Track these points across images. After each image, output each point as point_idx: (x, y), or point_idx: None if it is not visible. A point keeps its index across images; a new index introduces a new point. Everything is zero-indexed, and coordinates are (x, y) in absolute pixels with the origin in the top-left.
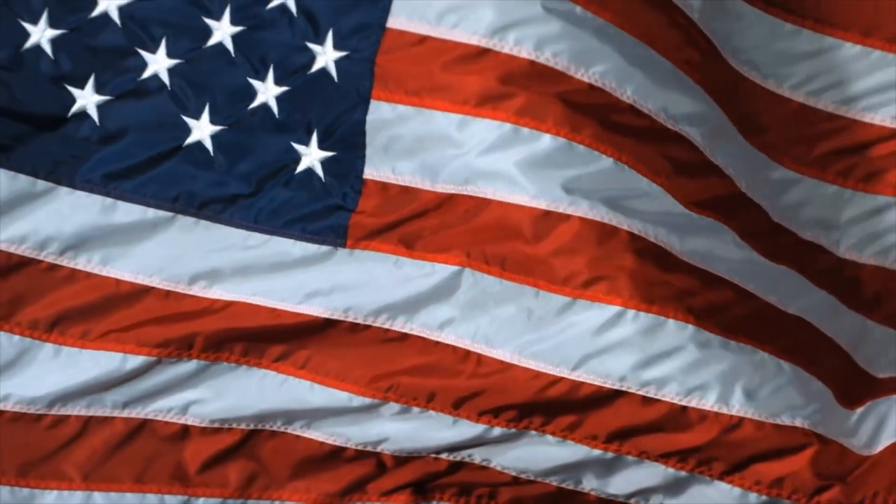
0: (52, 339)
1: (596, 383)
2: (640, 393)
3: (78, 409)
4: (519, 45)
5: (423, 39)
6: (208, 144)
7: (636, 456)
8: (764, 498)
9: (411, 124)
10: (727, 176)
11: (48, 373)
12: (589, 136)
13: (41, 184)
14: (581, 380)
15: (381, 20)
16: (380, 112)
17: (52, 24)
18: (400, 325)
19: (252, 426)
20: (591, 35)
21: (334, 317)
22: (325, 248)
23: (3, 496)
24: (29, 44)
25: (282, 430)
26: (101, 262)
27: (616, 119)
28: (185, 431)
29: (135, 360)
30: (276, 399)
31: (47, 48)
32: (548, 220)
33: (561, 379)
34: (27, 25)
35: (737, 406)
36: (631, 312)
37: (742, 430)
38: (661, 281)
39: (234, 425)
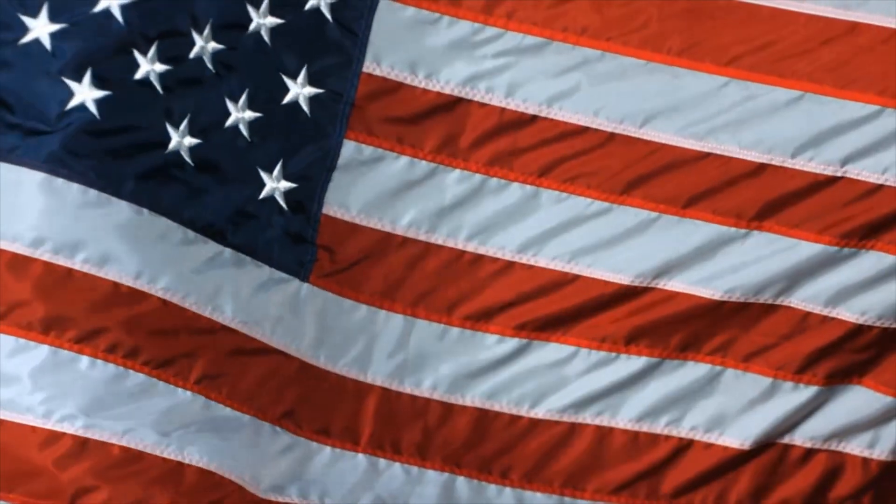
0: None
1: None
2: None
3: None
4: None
5: (399, 86)
6: (186, 156)
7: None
8: None
9: (381, 167)
10: None
11: None
12: None
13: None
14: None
15: (358, 64)
16: (350, 151)
17: (52, 18)
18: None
19: None
20: None
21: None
22: (290, 280)
23: None
24: (28, 38)
25: None
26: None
27: None
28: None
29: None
30: None
31: (46, 42)
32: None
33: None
34: (26, 19)
35: None
36: None
37: None
38: None
39: None
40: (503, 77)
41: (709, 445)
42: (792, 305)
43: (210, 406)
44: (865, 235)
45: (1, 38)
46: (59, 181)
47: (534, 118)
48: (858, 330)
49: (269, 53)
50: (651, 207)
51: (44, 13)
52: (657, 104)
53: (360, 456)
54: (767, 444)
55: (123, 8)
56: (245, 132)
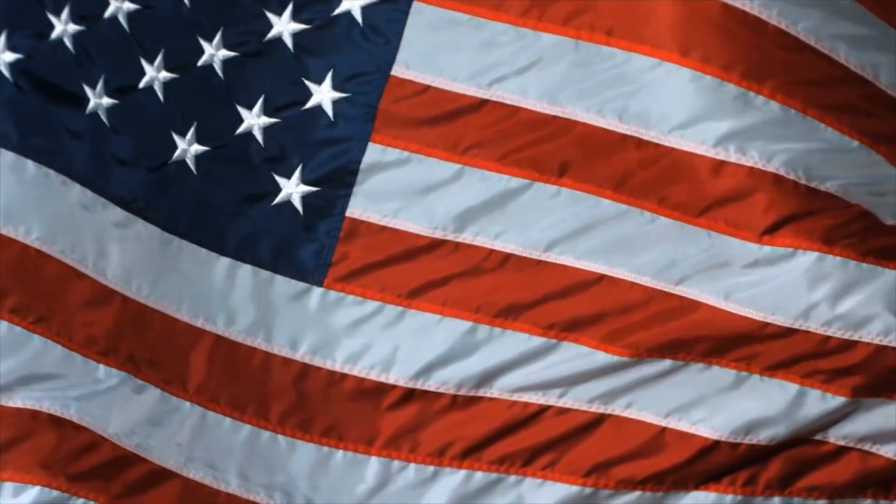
0: None
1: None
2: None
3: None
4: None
5: (426, 88)
6: (192, 164)
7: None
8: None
9: (407, 168)
10: None
11: None
12: None
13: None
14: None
15: (387, 66)
16: (376, 154)
17: (73, 19)
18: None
19: None
20: None
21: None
22: (301, 284)
23: None
24: (53, 36)
25: None
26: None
27: None
28: None
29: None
30: None
31: (68, 43)
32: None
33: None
34: (51, 17)
35: None
36: None
37: None
38: None
39: None
40: (529, 78)
41: (736, 445)
42: (811, 330)
43: (207, 416)
44: (881, 255)
45: (31, 32)
46: (89, 193)
47: (554, 118)
48: (882, 351)
49: (291, 59)
50: (666, 214)
51: (66, 13)
52: (668, 108)
53: (374, 459)
54: (799, 439)
55: (129, 16)
56: (259, 138)
